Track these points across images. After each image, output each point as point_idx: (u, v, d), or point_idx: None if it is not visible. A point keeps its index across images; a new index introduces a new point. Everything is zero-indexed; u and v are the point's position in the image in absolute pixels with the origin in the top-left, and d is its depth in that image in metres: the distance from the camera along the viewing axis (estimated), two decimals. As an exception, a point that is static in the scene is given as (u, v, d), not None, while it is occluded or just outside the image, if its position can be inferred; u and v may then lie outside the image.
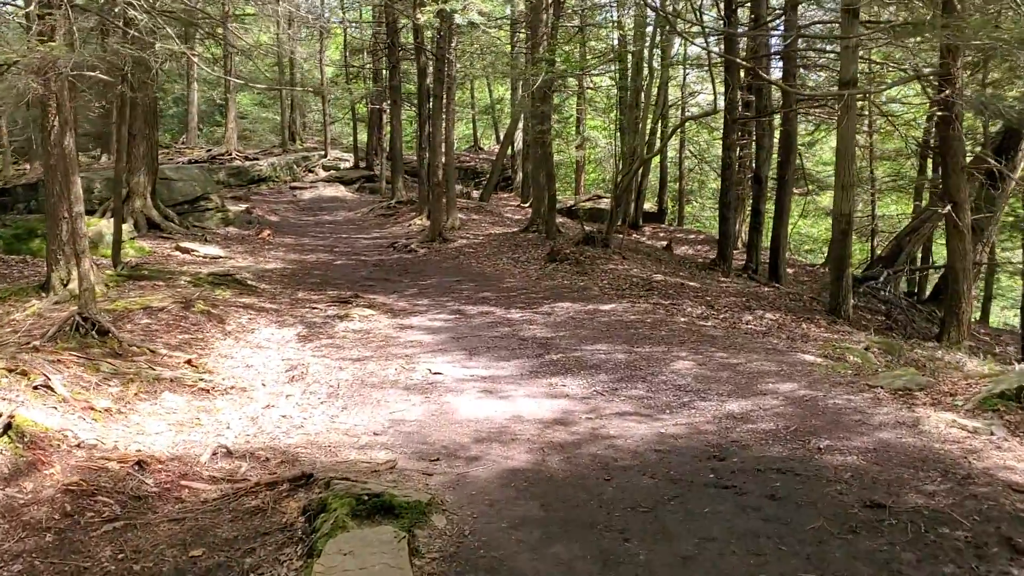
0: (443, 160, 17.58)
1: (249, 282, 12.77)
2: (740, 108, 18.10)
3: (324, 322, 10.23)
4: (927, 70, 13.42)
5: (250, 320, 9.95)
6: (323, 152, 34.43)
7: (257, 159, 30.79)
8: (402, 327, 10.15)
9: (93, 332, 7.14)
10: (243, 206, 23.92)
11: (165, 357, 7.47)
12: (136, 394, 6.12)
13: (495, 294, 12.56)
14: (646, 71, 22.03)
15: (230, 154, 29.87)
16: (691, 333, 9.79)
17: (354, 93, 29.91)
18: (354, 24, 33.29)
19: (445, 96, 18.25)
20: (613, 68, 25.89)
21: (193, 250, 15.27)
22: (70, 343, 6.86)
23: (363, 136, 34.21)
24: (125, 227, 15.30)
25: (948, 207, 12.00)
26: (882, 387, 7.02)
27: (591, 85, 31.90)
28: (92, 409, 5.49)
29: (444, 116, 18.89)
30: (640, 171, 19.55)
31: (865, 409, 6.48)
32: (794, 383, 7.45)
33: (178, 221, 17.87)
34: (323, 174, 32.58)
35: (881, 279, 16.22)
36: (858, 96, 14.58)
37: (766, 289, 15.26)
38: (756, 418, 6.43)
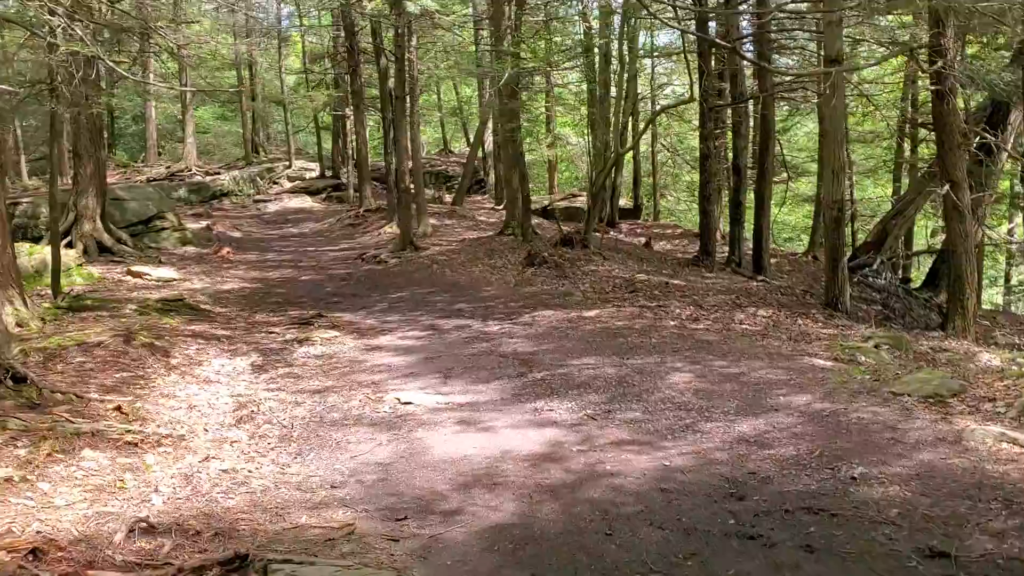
0: (409, 165, 16.67)
1: (203, 306, 11.81)
2: (714, 96, 17.37)
3: (282, 348, 9.30)
4: (913, 44, 12.70)
5: (199, 351, 9.01)
6: (287, 163, 33.38)
7: (219, 174, 29.72)
8: (370, 348, 9.25)
9: (7, 380, 6.18)
10: (203, 223, 22.87)
11: (94, 403, 6.53)
12: (48, 455, 5.18)
13: (471, 305, 11.69)
14: (615, 63, 21.33)
15: (190, 170, 28.79)
16: (683, 339, 8.97)
17: (316, 101, 28.91)
18: (312, 30, 32.27)
19: (408, 98, 17.37)
20: (580, 62, 25.12)
21: (145, 274, 14.27)
22: (-24, 396, 5.91)
23: (329, 145, 33.20)
24: (72, 253, 14.30)
25: (946, 186, 11.28)
26: (909, 395, 6.23)
27: (559, 82, 31.14)
28: (-13, 481, 4.56)
29: (408, 119, 18.01)
30: (615, 167, 18.74)
31: (896, 424, 5.68)
32: (808, 394, 6.64)
33: (132, 243, 16.84)
34: (288, 185, 31.54)
35: (875, 266, 15.51)
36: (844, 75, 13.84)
37: (755, 284, 14.50)
38: (772, 441, 5.61)
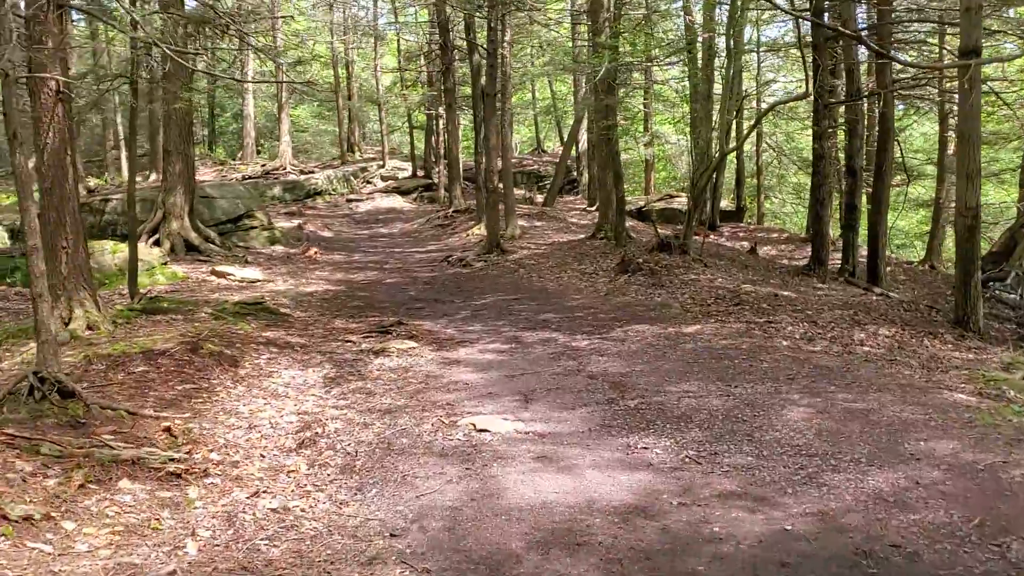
0: (498, 164, 15.99)
1: (283, 310, 11.40)
2: (828, 93, 16.06)
3: (357, 359, 8.72)
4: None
5: (270, 360, 8.51)
6: (381, 162, 33.30)
7: (312, 172, 29.79)
8: (447, 362, 8.57)
9: (53, 394, 5.73)
10: (295, 222, 22.81)
11: (146, 421, 6.03)
12: (81, 486, 4.66)
13: (558, 315, 10.89)
14: (720, 58, 20.15)
15: (285, 168, 28.93)
16: (799, 363, 7.95)
17: (409, 99, 28.63)
18: (408, 28, 32.03)
19: (500, 95, 16.69)
20: (682, 58, 23.94)
21: (229, 274, 14.03)
22: (19, 412, 5.47)
23: (422, 144, 32.94)
24: (156, 251, 14.17)
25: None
26: (1087, 448, 5.12)
27: (659, 79, 29.99)
28: (4, 520, 4.03)
29: (498, 117, 17.35)
30: (718, 168, 17.61)
31: (1079, 488, 4.61)
32: (953, 440, 5.59)
33: (219, 242, 16.71)
34: (381, 185, 31.44)
35: (1008, 280, 13.98)
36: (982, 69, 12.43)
37: (873, 297, 13.21)
38: (916, 501, 4.62)
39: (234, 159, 35.01)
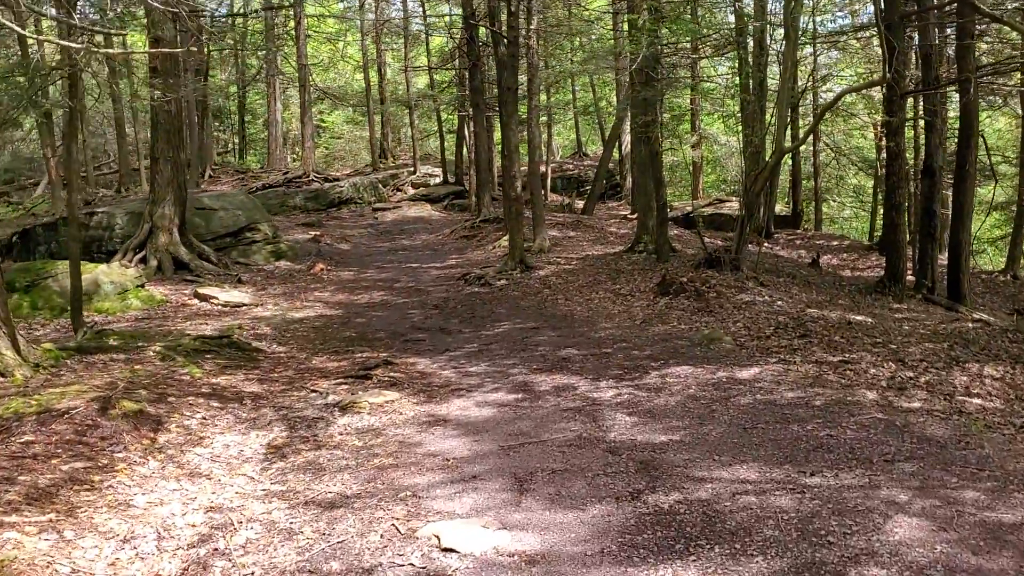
0: (518, 168, 14.07)
1: (255, 343, 9.65)
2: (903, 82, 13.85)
3: (317, 417, 6.87)
4: None
5: (205, 421, 6.71)
6: (412, 169, 31.62)
7: (338, 180, 28.20)
8: (432, 421, 6.68)
9: None
10: (311, 234, 21.18)
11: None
12: None
13: (582, 351, 8.93)
14: (774, 50, 18.06)
15: (308, 176, 27.36)
16: (894, 430, 5.88)
17: (438, 101, 26.88)
18: (436, 27, 30.31)
19: (526, 90, 14.79)
20: (730, 50, 21.81)
21: (213, 297, 12.35)
22: None
23: (454, 148, 31.16)
24: (131, 272, 12.54)
25: None
26: None
27: (706, 75, 27.83)
28: None
29: (529, 113, 15.46)
30: (774, 170, 15.46)
31: None
32: None
33: (215, 258, 15.09)
34: (411, 192, 29.74)
35: None
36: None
37: (970, 325, 10.96)
38: None
39: (263, 168, 33.67)
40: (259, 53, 34.71)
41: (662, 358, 8.36)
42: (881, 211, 26.65)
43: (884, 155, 25.21)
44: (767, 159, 14.62)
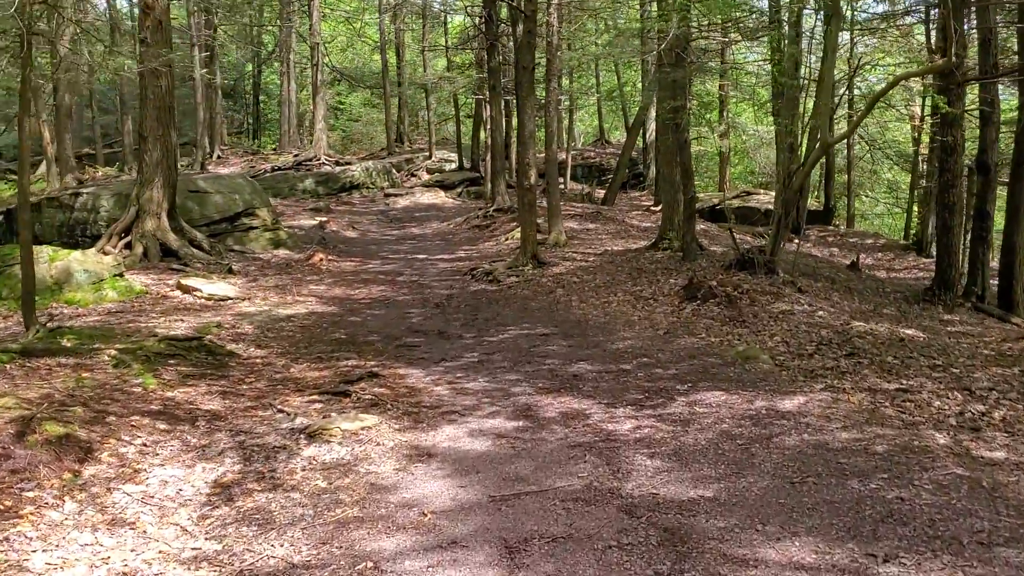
0: (533, 155, 12.90)
1: (230, 346, 8.61)
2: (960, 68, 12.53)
3: (280, 446, 5.80)
4: None
5: (146, 448, 5.65)
6: (428, 153, 30.52)
7: (349, 164, 27.17)
8: (414, 456, 5.59)
9: None
10: (317, 219, 20.17)
11: None
12: None
13: (596, 367, 7.81)
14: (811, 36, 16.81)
15: (319, 159, 26.33)
16: (983, 498, 4.71)
17: (455, 83, 25.71)
18: (453, 6, 29.12)
19: (545, 71, 13.60)
20: (765, 36, 20.50)
21: (196, 289, 11.33)
22: None
23: (470, 133, 30.01)
24: (107, 259, 11.54)
25: None
26: None
27: (735, 61, 26.48)
28: None
29: (547, 97, 14.28)
30: (816, 163, 14.18)
31: None
32: None
33: (207, 245, 14.08)
34: (425, 177, 28.67)
35: None
36: None
37: (1035, 341, 9.73)
38: None
39: (276, 149, 32.68)
40: (271, 29, 33.71)
41: (689, 379, 7.23)
42: (916, 209, 25.34)
43: (922, 149, 23.89)
44: (802, 152, 13.39)
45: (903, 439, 5.63)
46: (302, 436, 5.93)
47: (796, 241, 14.28)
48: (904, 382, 7.15)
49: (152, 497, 5.02)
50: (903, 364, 7.75)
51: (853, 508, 4.53)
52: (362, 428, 6.01)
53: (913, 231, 25.36)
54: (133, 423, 5.98)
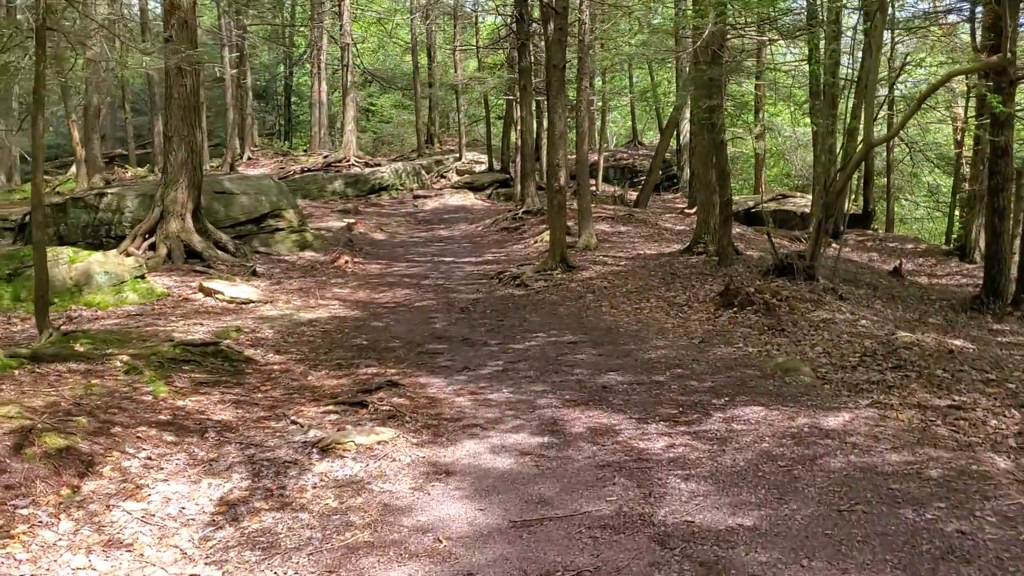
0: (563, 155, 12.53)
1: (248, 351, 8.35)
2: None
3: (291, 461, 5.50)
4: None
5: (151, 461, 5.38)
6: (458, 155, 30.26)
7: (379, 165, 26.99)
8: (432, 473, 5.27)
9: None
10: (345, 221, 19.96)
11: None
12: None
13: (628, 377, 7.43)
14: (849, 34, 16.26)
15: (348, 160, 26.17)
16: (1053, 526, 4.28)
17: (485, 84, 25.40)
18: (484, 6, 28.84)
19: (578, 70, 13.24)
20: (802, 36, 19.92)
21: (218, 292, 11.12)
22: None
23: (500, 134, 29.67)
24: (129, 261, 11.37)
25: None
26: None
27: (772, 62, 25.88)
28: None
29: (578, 97, 13.92)
30: (859, 164, 13.64)
31: None
32: None
33: (232, 247, 13.89)
34: (455, 179, 28.41)
35: None
36: None
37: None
38: None
39: (307, 151, 32.62)
40: (303, 30, 33.68)
41: (726, 392, 6.82)
42: (958, 213, 24.57)
43: (965, 151, 23.14)
44: (840, 154, 12.89)
45: (959, 463, 5.20)
46: (315, 450, 5.63)
47: (835, 246, 13.77)
48: (956, 398, 6.69)
49: (153, 516, 4.73)
50: (953, 378, 7.28)
51: (908, 542, 4.11)
52: (378, 442, 5.69)
53: (955, 236, 24.62)
54: (139, 434, 5.72)
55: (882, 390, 6.85)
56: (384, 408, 6.46)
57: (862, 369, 7.49)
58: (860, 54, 15.34)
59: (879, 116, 20.74)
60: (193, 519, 4.72)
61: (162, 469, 5.31)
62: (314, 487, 5.11)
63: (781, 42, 24.42)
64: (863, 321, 9.20)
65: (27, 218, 14.77)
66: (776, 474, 5.07)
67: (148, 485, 5.08)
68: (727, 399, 6.64)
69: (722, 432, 5.85)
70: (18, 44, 7.23)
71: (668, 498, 4.76)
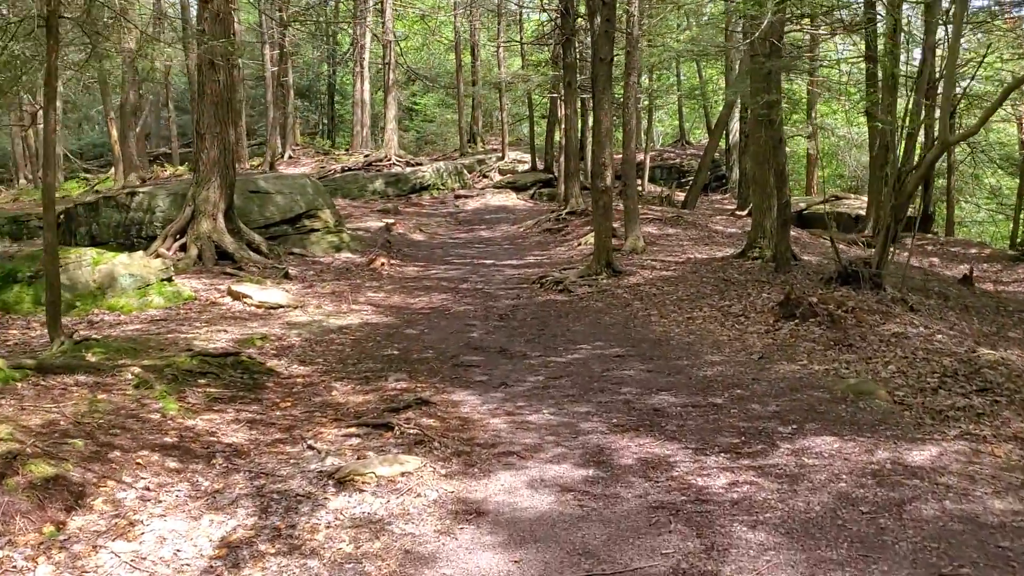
0: (609, 155, 11.82)
1: (269, 363, 7.81)
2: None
3: (303, 495, 4.92)
4: None
5: (149, 493, 4.84)
6: (501, 154, 29.68)
7: (420, 165, 26.51)
8: (460, 513, 4.65)
9: None
10: (384, 221, 19.49)
11: None
12: None
13: (681, 399, 6.73)
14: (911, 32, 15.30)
15: (389, 159, 25.73)
16: None
17: (529, 81, 24.75)
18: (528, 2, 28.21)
19: (625, 65, 12.53)
20: (859, 31, 18.92)
21: (247, 296, 10.65)
22: None
23: (544, 133, 29.00)
24: (156, 263, 10.95)
25: None
26: None
27: (825, 59, 24.86)
28: None
29: (624, 92, 13.21)
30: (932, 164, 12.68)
31: None
32: None
33: (266, 248, 13.45)
34: (497, 179, 27.83)
35: None
36: None
37: None
38: None
39: (348, 150, 32.31)
40: (347, 29, 33.37)
41: (793, 419, 6.09)
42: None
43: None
44: (900, 153, 11.99)
45: (1077, 514, 4.42)
46: (331, 482, 5.04)
47: (905, 252, 12.83)
48: (1058, 429, 5.87)
49: (143, 560, 4.18)
50: (1051, 404, 6.45)
51: (1033, 622, 3.38)
52: (401, 473, 5.09)
53: (1019, 240, 23.39)
54: (139, 460, 5.18)
55: (970, 418, 6.06)
56: (411, 431, 5.85)
57: (944, 392, 6.68)
58: (918, 51, 14.44)
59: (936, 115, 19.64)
60: (188, 564, 4.15)
61: (160, 502, 4.76)
62: (327, 527, 4.52)
63: (832, 40, 23.46)
64: (939, 336, 8.36)
65: (60, 217, 14.51)
66: (859, 523, 4.35)
67: (142, 521, 4.53)
68: (795, 427, 5.91)
69: (791, 467, 5.14)
70: (29, 34, 6.76)
71: (734, 552, 4.07)
